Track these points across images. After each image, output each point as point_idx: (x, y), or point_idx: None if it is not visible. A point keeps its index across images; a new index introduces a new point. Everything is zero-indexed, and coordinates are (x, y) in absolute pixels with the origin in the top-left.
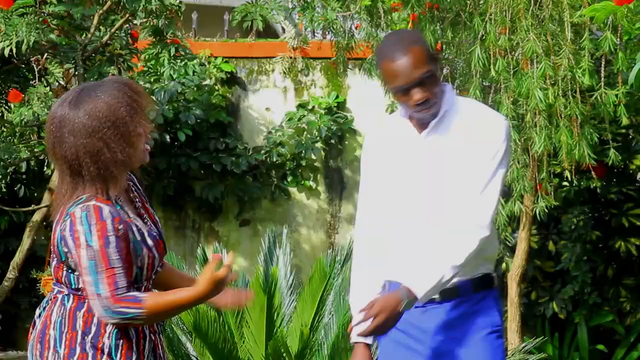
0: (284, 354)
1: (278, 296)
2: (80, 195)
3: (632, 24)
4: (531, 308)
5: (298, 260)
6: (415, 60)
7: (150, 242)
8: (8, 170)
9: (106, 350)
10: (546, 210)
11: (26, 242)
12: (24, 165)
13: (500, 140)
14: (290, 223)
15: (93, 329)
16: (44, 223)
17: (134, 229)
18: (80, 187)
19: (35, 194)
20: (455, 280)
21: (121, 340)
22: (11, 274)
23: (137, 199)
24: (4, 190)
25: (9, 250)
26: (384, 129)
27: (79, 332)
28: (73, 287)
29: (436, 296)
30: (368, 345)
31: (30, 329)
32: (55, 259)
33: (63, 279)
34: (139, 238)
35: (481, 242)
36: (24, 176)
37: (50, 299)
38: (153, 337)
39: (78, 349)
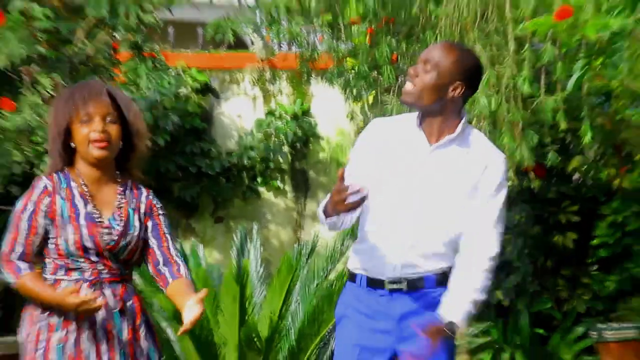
0: (255, 339)
1: (249, 287)
2: None
3: (571, 37)
4: None
5: (267, 254)
6: (432, 52)
7: (82, 221)
8: (6, 173)
9: (55, 327)
10: None
11: None
12: (17, 167)
13: (505, 181)
14: (260, 220)
15: (47, 310)
16: None
17: (68, 206)
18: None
19: None
20: (421, 272)
21: (64, 318)
22: None
23: (123, 199)
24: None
25: None
26: (395, 124)
27: (36, 312)
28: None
29: (403, 286)
30: None
31: None
32: None
33: None
34: (68, 214)
35: (490, 269)
36: (17, 177)
37: None
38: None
39: (35, 328)
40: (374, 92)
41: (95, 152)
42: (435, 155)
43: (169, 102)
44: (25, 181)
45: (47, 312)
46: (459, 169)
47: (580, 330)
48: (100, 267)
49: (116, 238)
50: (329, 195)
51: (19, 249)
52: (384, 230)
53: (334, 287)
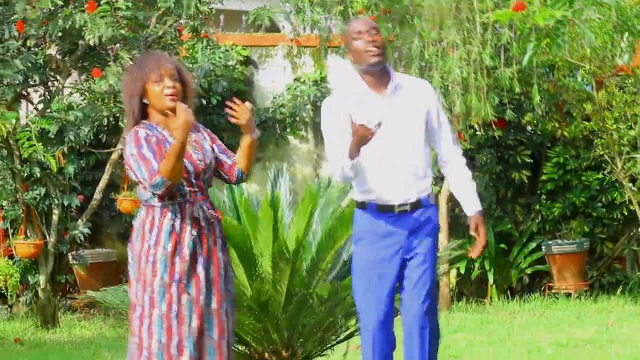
0: (285, 252)
1: (280, 211)
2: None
3: (524, 24)
4: (455, 219)
5: (294, 186)
6: (369, 22)
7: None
8: (95, 124)
9: (162, 243)
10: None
11: (107, 173)
12: (105, 120)
13: (439, 99)
14: (289, 160)
15: (155, 230)
16: (120, 160)
17: (166, 145)
18: (129, 125)
19: (113, 140)
20: (419, 195)
21: (170, 235)
22: (97, 196)
23: (191, 134)
24: (92, 137)
25: (96, 180)
26: (346, 92)
27: (146, 232)
28: (142, 199)
29: (407, 207)
30: None
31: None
32: None
33: (138, 194)
34: (167, 150)
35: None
36: (105, 128)
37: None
38: (194, 233)
39: (146, 244)
40: None
41: (169, 102)
42: (391, 100)
43: (220, 71)
44: (112, 130)
45: (154, 232)
46: (410, 103)
47: (533, 245)
48: (195, 188)
49: (202, 159)
50: (348, 144)
51: (156, 166)
52: (385, 166)
53: (344, 212)
